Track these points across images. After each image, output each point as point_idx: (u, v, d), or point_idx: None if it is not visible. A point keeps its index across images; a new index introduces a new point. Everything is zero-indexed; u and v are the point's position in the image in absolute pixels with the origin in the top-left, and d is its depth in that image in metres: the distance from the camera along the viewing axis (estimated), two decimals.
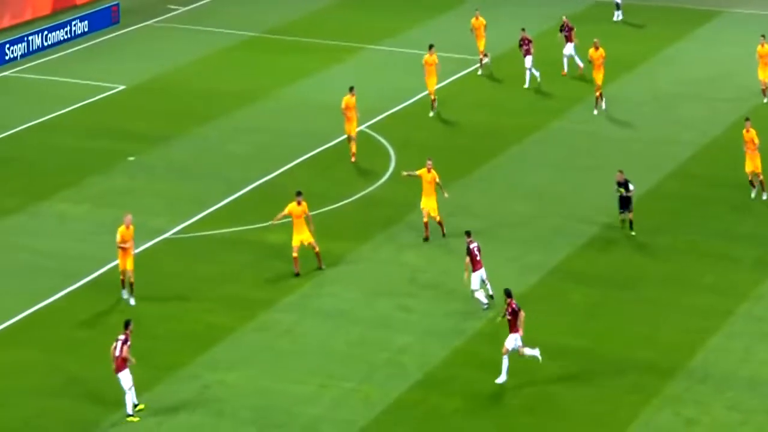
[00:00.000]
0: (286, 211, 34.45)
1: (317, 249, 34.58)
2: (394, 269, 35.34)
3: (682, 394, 29.63)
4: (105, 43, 53.21)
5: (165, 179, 40.84)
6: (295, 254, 34.31)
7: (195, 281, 34.44)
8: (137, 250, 34.11)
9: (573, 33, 48.87)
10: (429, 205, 36.26)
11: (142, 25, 55.37)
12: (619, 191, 36.77)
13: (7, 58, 50.14)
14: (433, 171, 36.25)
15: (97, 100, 47.20)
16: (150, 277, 34.05)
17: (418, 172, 36.52)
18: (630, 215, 36.91)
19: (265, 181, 40.72)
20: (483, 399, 29.49)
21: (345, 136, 42.31)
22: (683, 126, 45.45)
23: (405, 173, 37.85)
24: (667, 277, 34.96)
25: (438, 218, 36.41)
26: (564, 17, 49.76)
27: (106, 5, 54.85)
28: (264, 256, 35.84)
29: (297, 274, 34.41)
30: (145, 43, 53.48)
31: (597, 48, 45.32)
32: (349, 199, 39.49)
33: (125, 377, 28.19)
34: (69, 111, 46.09)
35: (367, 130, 44.88)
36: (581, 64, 48.77)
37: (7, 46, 50.33)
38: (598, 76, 45.29)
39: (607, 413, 29.02)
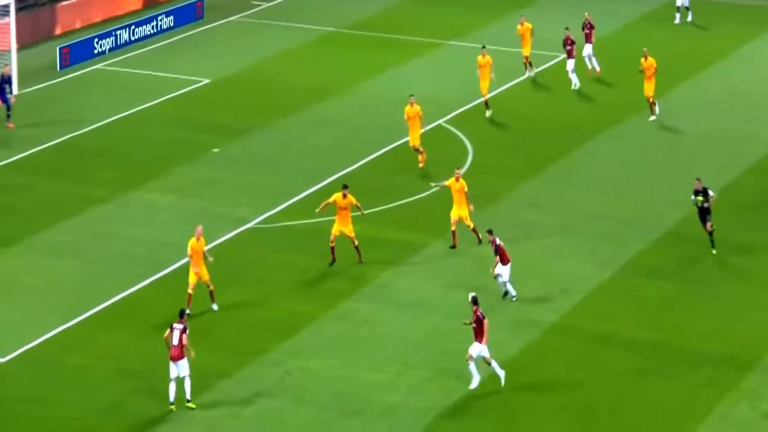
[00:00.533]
0: (331, 199, 34.40)
1: (356, 243, 34.44)
2: (470, 261, 35.36)
3: (758, 388, 29.38)
4: (190, 38, 53.70)
5: (247, 170, 41.15)
6: (332, 243, 34.36)
7: (277, 270, 34.67)
8: (221, 240, 34.39)
9: (593, 32, 47.73)
10: (461, 213, 35.46)
11: (225, 20, 55.76)
12: (697, 201, 35.31)
13: (95, 51, 50.76)
14: (461, 180, 35.64)
15: (182, 93, 47.66)
16: (233, 266, 34.37)
17: (446, 183, 36.05)
18: (710, 226, 34.95)
19: (345, 174, 40.91)
20: (557, 390, 29.45)
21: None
22: (760, 124, 44.93)
23: (434, 185, 37.54)
24: (742, 272, 34.63)
25: (471, 225, 35.61)
26: (586, 14, 48.51)
27: (191, 1, 55.35)
28: (347, 246, 36.05)
29: (332, 263, 34.37)
30: (229, 38, 53.88)
31: (646, 57, 44.14)
32: (426, 193, 39.58)
33: (185, 365, 28.23)
34: (156, 104, 46.58)
35: (445, 125, 44.92)
36: (598, 68, 47.75)
37: (96, 40, 50.96)
38: (649, 86, 44.14)
39: (683, 406, 28.85)
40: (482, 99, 45.54)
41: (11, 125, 43.48)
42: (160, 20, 53.51)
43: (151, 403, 28.70)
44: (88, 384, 29.38)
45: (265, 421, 28.32)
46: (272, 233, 36.99)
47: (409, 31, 54.29)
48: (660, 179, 40.48)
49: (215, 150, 42.58)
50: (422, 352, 30.90)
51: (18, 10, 49.05)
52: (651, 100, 44.52)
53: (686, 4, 55.47)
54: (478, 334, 28.96)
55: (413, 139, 40.98)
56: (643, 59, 44.47)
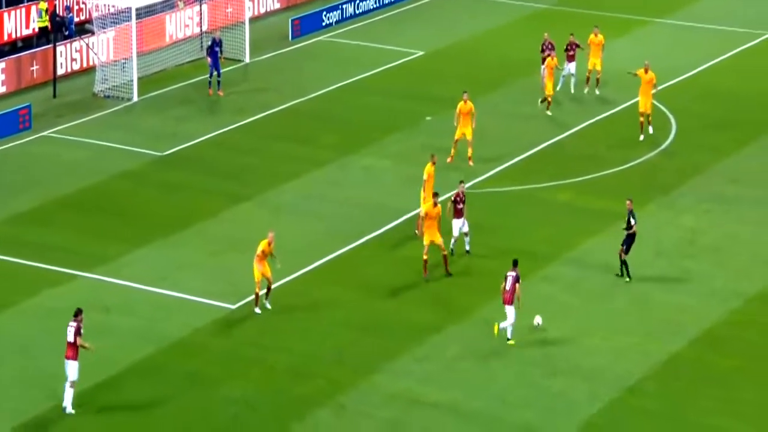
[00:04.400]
0: (422, 212, 32.53)
1: (445, 252, 32.22)
2: (674, 232, 34.70)
3: None
4: (408, 12, 53.85)
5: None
6: (425, 256, 31.78)
7: (485, 233, 34.36)
8: (441, 198, 33.86)
9: (554, 54, 42.86)
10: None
11: None
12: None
13: (323, 24, 51.52)
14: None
15: (398, 64, 47.96)
16: (442, 229, 34.23)
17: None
18: (623, 253, 31.49)
19: (553, 143, 40.58)
20: (763, 360, 28.68)
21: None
22: None
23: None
24: None
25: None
26: (546, 34, 44.55)
27: None
28: (552, 213, 35.79)
29: (427, 278, 31.95)
30: (444, 12, 53.80)
31: (647, 71, 39.95)
32: (630, 164, 38.95)
33: (511, 311, 29.11)
34: (374, 74, 46.99)
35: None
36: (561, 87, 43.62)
37: (324, 12, 51.75)
38: (645, 102, 39.74)
39: None
40: (695, 71, 41.85)
41: (221, 93, 44.29)
42: None
43: (371, 353, 28.90)
44: (310, 332, 29.78)
45: (475, 376, 28.30)
46: (482, 198, 36.96)
47: (619, 8, 53.31)
48: None
49: (428, 118, 42.74)
50: (626, 318, 30.48)
51: None
52: (646, 117, 39.68)
53: None
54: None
55: (458, 132, 38.29)
56: (642, 71, 39.88)
